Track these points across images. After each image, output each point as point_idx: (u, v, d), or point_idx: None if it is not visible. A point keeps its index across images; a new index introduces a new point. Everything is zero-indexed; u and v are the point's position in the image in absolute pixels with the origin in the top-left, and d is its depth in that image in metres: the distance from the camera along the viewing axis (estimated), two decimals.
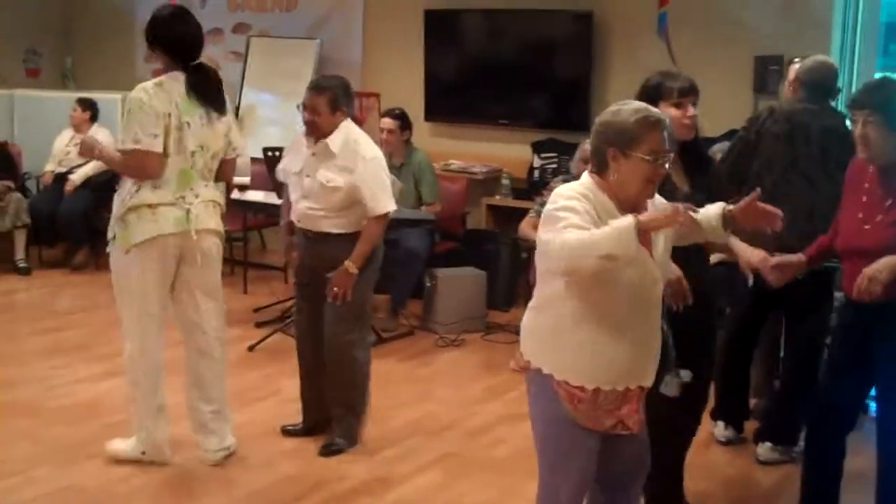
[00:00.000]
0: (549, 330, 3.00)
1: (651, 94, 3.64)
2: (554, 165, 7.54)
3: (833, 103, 4.89)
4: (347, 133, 4.63)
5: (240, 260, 8.15)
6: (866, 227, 3.62)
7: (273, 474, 4.55)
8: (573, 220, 2.80)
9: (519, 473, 4.52)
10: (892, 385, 3.67)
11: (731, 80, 7.00)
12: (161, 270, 4.35)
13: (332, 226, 4.65)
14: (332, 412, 4.83)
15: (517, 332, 6.23)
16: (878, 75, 7.29)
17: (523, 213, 6.54)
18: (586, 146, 6.39)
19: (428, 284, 6.90)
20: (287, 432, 4.97)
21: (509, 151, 7.98)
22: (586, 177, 2.97)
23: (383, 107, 7.93)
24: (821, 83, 4.78)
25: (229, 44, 9.40)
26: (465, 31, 8.30)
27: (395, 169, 7.01)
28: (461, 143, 8.27)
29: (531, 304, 3.10)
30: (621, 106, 2.94)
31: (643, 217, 2.75)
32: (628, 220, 2.73)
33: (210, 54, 9.57)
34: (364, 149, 4.63)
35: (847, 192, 3.80)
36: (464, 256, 7.35)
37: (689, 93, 3.67)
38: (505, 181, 7.75)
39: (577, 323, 2.93)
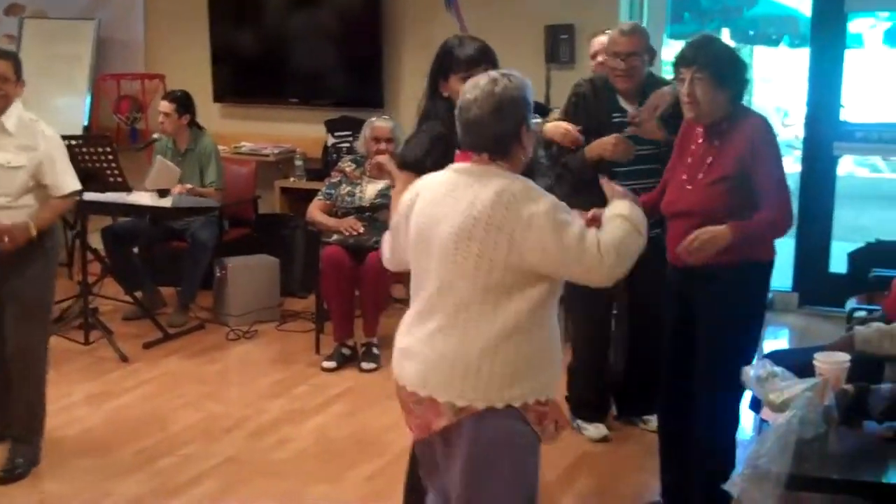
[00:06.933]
0: (531, 353, 2.63)
1: (443, 64, 3.39)
2: (348, 144, 7.28)
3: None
4: (21, 111, 4.35)
5: None
6: (689, 187, 3.55)
7: (36, 493, 4.21)
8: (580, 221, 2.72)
9: (300, 477, 4.35)
10: (711, 355, 3.53)
11: (523, 51, 6.86)
12: None
13: (11, 219, 4.22)
14: (13, 429, 4.41)
15: (314, 320, 6.13)
16: (666, 43, 7.34)
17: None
18: (379, 122, 6.25)
19: (217, 274, 6.56)
20: None
21: (303, 131, 7.66)
22: (504, 171, 2.72)
23: (169, 88, 7.53)
24: None
25: (3, 27, 8.73)
26: (253, 8, 7.89)
27: (178, 155, 6.68)
28: (253, 124, 7.91)
29: (489, 334, 2.61)
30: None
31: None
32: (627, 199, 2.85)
33: None
34: (44, 126, 4.39)
35: (675, 155, 3.72)
36: (257, 243, 7.03)
37: (479, 62, 3.32)
38: (298, 162, 7.45)
39: (548, 331, 2.69)
